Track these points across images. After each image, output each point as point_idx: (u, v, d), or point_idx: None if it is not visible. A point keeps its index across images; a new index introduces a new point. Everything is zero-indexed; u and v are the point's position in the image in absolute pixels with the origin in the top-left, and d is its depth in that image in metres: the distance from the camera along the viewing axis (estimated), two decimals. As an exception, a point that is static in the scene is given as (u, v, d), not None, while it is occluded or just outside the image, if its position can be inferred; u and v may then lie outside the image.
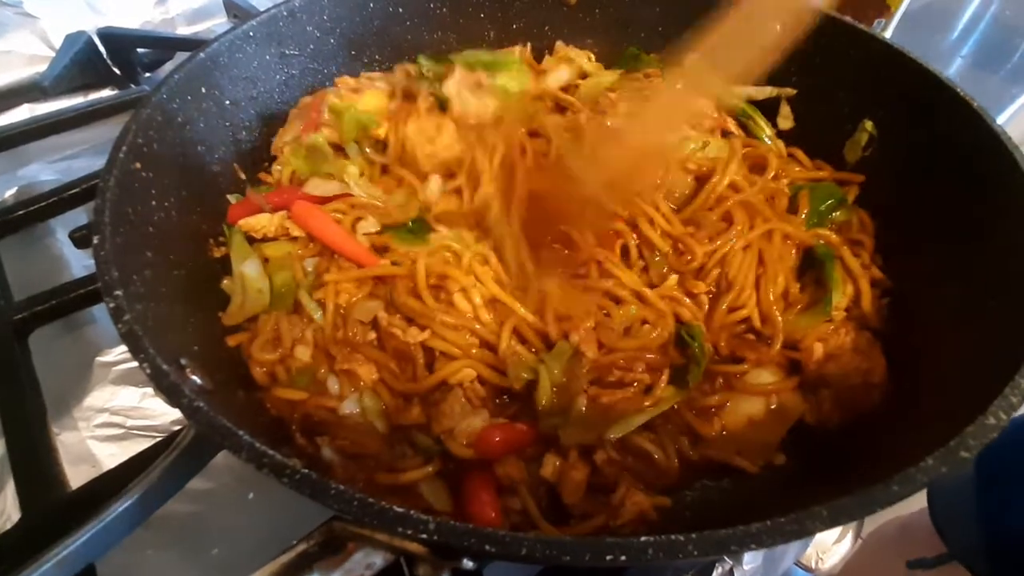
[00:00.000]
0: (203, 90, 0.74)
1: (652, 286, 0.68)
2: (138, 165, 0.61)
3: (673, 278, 0.67)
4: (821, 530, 0.33)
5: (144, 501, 0.41)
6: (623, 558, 0.32)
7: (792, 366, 0.65)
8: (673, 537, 0.32)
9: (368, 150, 0.82)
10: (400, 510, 0.34)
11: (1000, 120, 1.28)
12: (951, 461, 0.37)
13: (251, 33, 0.81)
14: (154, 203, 0.63)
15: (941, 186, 0.71)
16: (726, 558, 0.59)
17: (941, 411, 0.48)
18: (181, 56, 1.31)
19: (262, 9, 1.44)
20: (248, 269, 0.63)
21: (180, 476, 0.45)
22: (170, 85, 0.68)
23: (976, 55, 1.53)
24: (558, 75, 0.96)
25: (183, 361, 0.49)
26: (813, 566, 0.83)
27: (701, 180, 0.78)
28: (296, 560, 0.36)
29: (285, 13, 0.85)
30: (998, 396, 0.40)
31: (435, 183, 0.74)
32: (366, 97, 0.81)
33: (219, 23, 1.48)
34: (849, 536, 0.84)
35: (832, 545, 0.82)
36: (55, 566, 0.38)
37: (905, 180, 0.77)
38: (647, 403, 0.58)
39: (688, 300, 0.67)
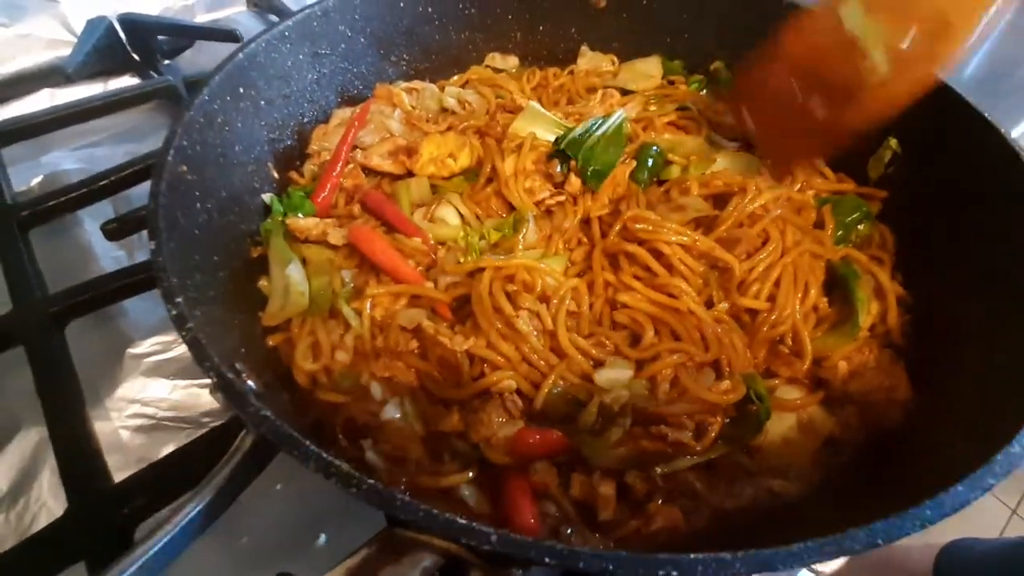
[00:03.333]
0: (241, 90, 0.75)
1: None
2: (184, 168, 0.62)
3: (723, 305, 0.68)
4: (858, 552, 0.36)
5: (209, 508, 0.43)
6: (675, 573, 0.34)
7: (815, 382, 0.66)
8: (721, 556, 0.35)
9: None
10: (464, 521, 0.36)
11: (1015, 133, 1.29)
12: (979, 488, 0.39)
13: (286, 33, 0.82)
14: (199, 205, 0.64)
15: (964, 204, 0.73)
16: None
17: (967, 432, 0.50)
18: (200, 44, 1.31)
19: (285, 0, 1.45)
20: (293, 272, 0.65)
21: (241, 480, 0.46)
22: (211, 87, 0.69)
23: (987, 65, 1.53)
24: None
25: (238, 366, 0.50)
26: (816, 567, 0.86)
27: (719, 199, 0.78)
28: (361, 564, 0.38)
29: (319, 12, 0.85)
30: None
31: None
32: (424, 153, 0.82)
33: (239, 11, 1.48)
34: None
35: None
36: None
37: (927, 198, 0.78)
38: (697, 448, 0.59)
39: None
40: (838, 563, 0.87)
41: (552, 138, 0.83)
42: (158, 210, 0.53)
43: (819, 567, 0.84)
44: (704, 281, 0.69)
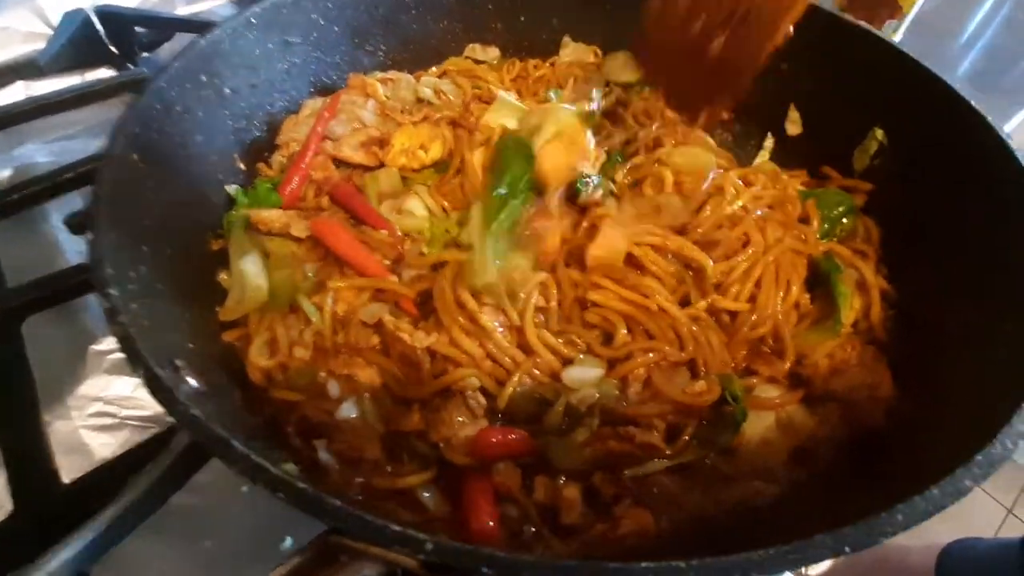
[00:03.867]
0: (203, 78, 0.73)
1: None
2: (136, 156, 0.59)
3: (701, 303, 0.66)
4: (824, 559, 0.33)
5: (137, 507, 0.40)
6: (623, 584, 0.31)
7: (796, 380, 0.64)
8: (673, 563, 0.32)
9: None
10: (398, 528, 0.33)
11: (1008, 127, 1.27)
12: (956, 490, 0.36)
13: (253, 20, 0.79)
14: (152, 195, 0.61)
15: (952, 199, 0.70)
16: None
17: (950, 432, 0.48)
18: (181, 36, 1.29)
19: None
20: (247, 265, 0.62)
21: (174, 481, 0.44)
22: (169, 73, 0.67)
23: (985, 59, 1.52)
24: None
25: (178, 362, 0.48)
26: (802, 569, 0.83)
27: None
28: (293, 572, 0.36)
29: (289, 0, 0.83)
30: (1005, 424, 0.39)
31: None
32: (396, 144, 0.79)
33: (219, 3, 1.45)
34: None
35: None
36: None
37: (914, 191, 0.76)
38: (668, 451, 0.57)
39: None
40: (824, 568, 0.85)
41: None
42: (100, 200, 0.51)
43: (804, 569, 0.82)
44: (678, 280, 0.67)
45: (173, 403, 0.38)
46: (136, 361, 0.40)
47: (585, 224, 0.70)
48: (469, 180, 0.76)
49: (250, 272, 0.62)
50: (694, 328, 0.63)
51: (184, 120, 0.69)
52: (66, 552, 0.37)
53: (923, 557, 1.11)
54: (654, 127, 0.87)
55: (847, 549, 0.33)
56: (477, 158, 0.76)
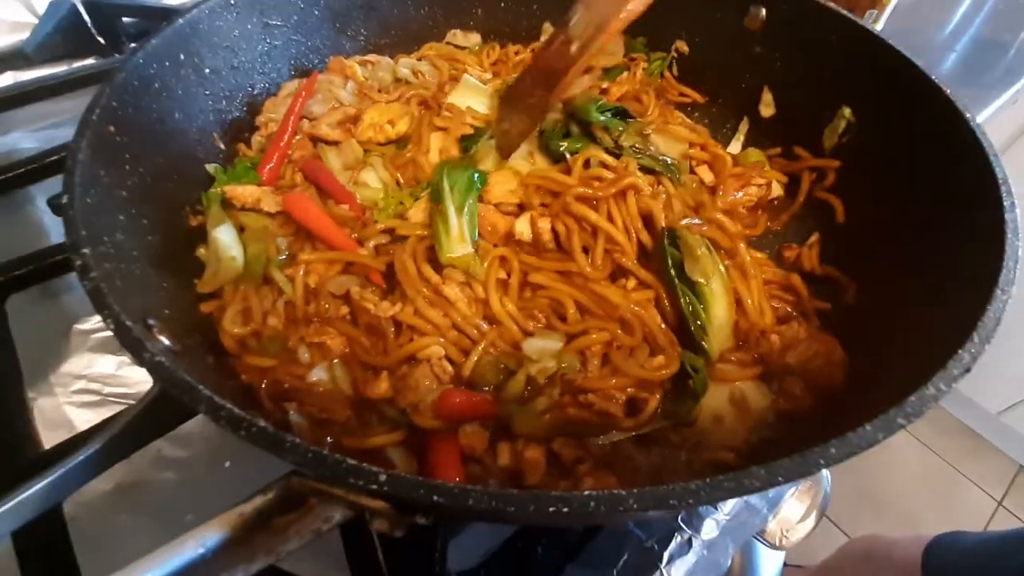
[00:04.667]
0: (181, 57, 0.74)
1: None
2: (112, 129, 0.60)
3: (632, 281, 0.67)
4: (759, 489, 0.35)
5: (107, 449, 0.41)
6: (565, 510, 0.33)
7: (754, 360, 0.65)
8: (615, 492, 0.33)
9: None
10: (353, 463, 0.35)
11: (991, 111, 1.29)
12: (889, 427, 0.38)
13: (231, 1, 0.80)
14: (128, 167, 0.62)
15: (910, 171, 0.72)
16: (685, 527, 0.61)
17: (898, 387, 0.49)
18: (168, 27, 1.30)
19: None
20: (221, 234, 0.64)
21: (145, 429, 0.45)
22: (146, 50, 0.68)
23: (970, 50, 1.53)
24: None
25: (151, 321, 0.49)
26: (777, 543, 0.85)
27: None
28: (253, 513, 0.37)
29: (269, -19, 0.84)
30: (940, 368, 0.41)
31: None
32: (366, 119, 0.81)
33: (208, -6, 1.46)
34: (814, 515, 0.86)
35: (797, 523, 0.84)
36: (19, 504, 0.39)
37: (877, 166, 0.78)
38: (629, 424, 0.58)
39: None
40: (802, 537, 0.86)
41: (485, 110, 0.83)
42: (75, 166, 0.52)
43: (781, 542, 0.83)
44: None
45: (141, 350, 0.39)
46: (106, 314, 0.41)
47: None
48: (422, 156, 0.77)
49: (223, 241, 0.63)
50: (635, 308, 0.64)
51: (162, 97, 0.70)
52: (39, 482, 0.38)
53: (909, 549, 1.12)
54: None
55: (780, 479, 0.34)
56: (435, 139, 0.77)
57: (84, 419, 0.77)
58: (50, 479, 0.38)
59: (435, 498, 0.33)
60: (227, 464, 0.73)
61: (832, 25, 0.84)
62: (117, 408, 0.77)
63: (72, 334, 0.82)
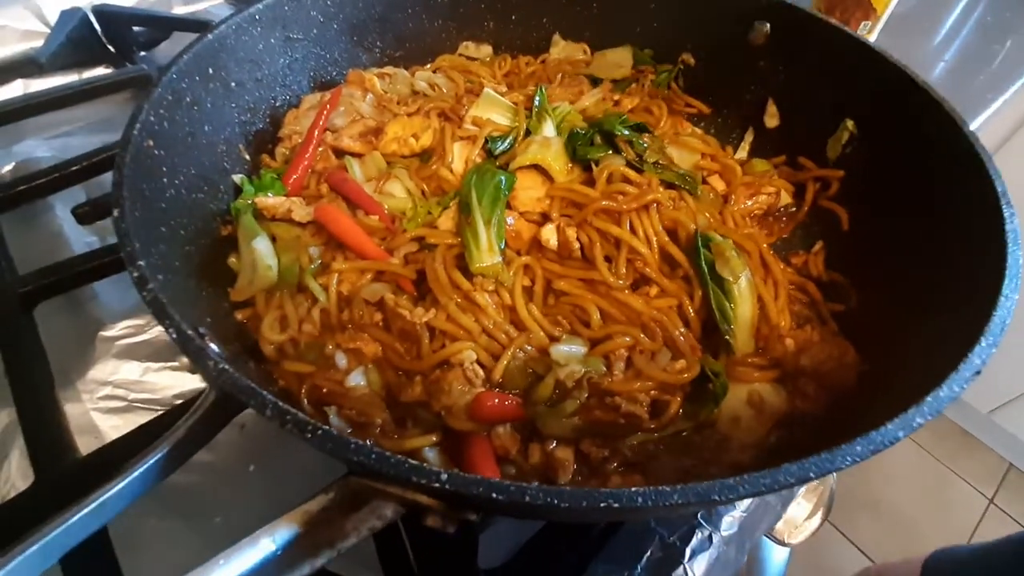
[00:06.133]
0: (210, 71, 0.76)
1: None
2: (151, 143, 0.62)
3: (654, 288, 0.70)
4: (791, 485, 0.38)
5: (165, 462, 0.43)
6: (616, 505, 0.35)
7: (770, 363, 0.68)
8: (662, 488, 0.36)
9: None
10: (414, 463, 0.37)
11: (980, 122, 1.33)
12: (908, 426, 0.41)
13: (257, 16, 0.83)
14: (165, 180, 0.64)
15: (914, 185, 0.75)
16: (705, 523, 0.63)
17: (910, 390, 0.52)
18: (178, 36, 1.32)
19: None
20: (259, 245, 0.66)
21: (200, 438, 0.47)
22: (179, 66, 0.70)
23: (959, 59, 1.58)
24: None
25: (201, 330, 0.51)
26: (784, 540, 0.88)
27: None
28: (319, 511, 0.39)
29: (291, -3, 0.86)
30: (953, 371, 0.44)
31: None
32: (389, 132, 0.84)
33: (216, 3, 1.48)
34: (819, 514, 0.89)
35: (803, 521, 0.87)
36: (76, 523, 0.40)
37: (881, 177, 0.81)
38: (653, 426, 0.60)
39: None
40: (808, 535, 0.90)
41: (507, 123, 0.86)
42: (123, 180, 0.54)
43: (787, 539, 0.86)
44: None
45: (205, 358, 0.41)
46: (168, 324, 0.43)
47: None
48: (445, 169, 0.80)
49: (262, 252, 0.65)
50: (656, 314, 0.67)
51: (193, 110, 0.72)
52: (92, 502, 0.40)
53: (905, 572, 1.15)
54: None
55: (811, 475, 0.37)
56: (458, 150, 0.80)
57: (111, 424, 0.78)
58: (102, 499, 0.40)
59: (494, 495, 0.36)
60: (251, 468, 0.75)
61: (834, 41, 0.87)
62: (143, 414, 0.79)
63: (97, 341, 0.84)
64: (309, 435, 0.38)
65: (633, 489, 0.36)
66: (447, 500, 0.38)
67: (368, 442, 0.55)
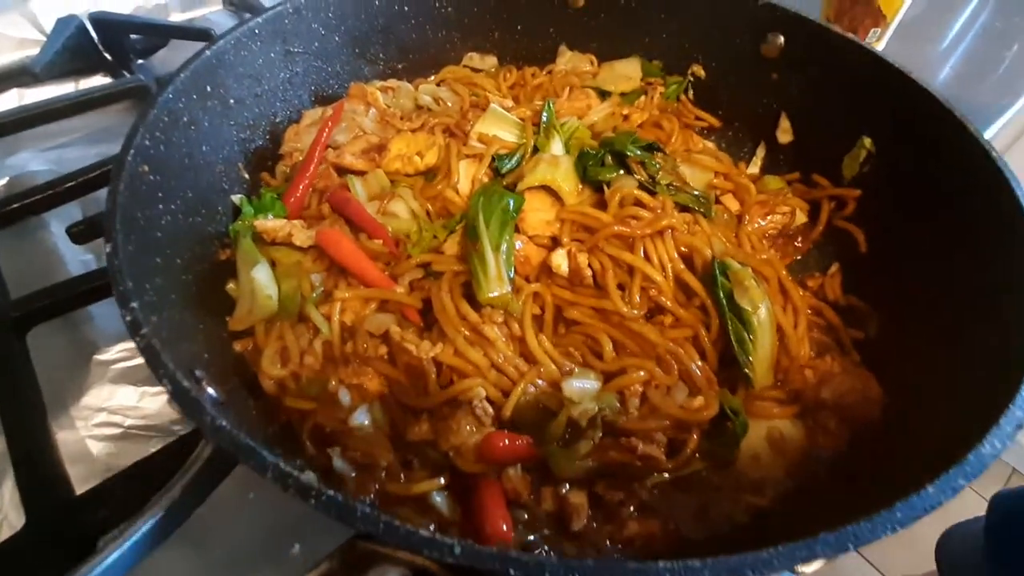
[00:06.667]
0: (208, 89, 0.73)
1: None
2: (146, 168, 0.60)
3: (669, 317, 0.68)
4: (829, 556, 0.35)
5: (165, 521, 0.41)
6: (642, 582, 0.33)
7: (791, 397, 0.66)
8: (689, 562, 0.34)
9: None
10: (426, 534, 0.34)
11: (995, 130, 1.30)
12: (950, 488, 0.38)
13: (256, 30, 0.80)
14: (161, 206, 0.62)
15: (936, 206, 0.73)
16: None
17: (940, 432, 0.50)
18: (175, 43, 1.29)
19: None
20: (259, 274, 0.63)
21: (196, 497, 0.45)
22: (176, 85, 0.67)
23: (965, 64, 1.56)
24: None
25: (198, 373, 0.48)
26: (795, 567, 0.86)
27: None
28: (321, 577, 0.37)
29: (291, 10, 0.84)
30: (994, 425, 0.42)
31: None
32: (393, 149, 0.81)
33: (214, 10, 1.45)
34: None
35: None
36: None
37: (899, 197, 0.79)
38: (670, 466, 0.58)
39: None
40: (819, 565, 0.88)
41: (513, 140, 0.83)
42: (116, 211, 0.52)
43: (801, 567, 0.84)
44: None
45: (201, 414, 0.39)
46: (162, 374, 0.41)
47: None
48: (451, 190, 0.78)
49: (261, 282, 0.63)
50: (671, 346, 0.64)
51: (190, 131, 0.70)
52: (94, 568, 0.38)
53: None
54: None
55: (850, 546, 0.35)
56: (464, 168, 0.77)
57: (106, 452, 0.76)
58: (108, 561, 0.38)
59: (511, 571, 0.33)
60: (251, 495, 0.72)
61: (850, 55, 0.85)
62: (138, 440, 0.76)
63: (92, 364, 0.81)
64: (313, 501, 0.36)
65: (661, 565, 0.33)
66: (459, 572, 0.36)
67: (374, 487, 0.54)
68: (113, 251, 0.49)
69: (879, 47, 1.54)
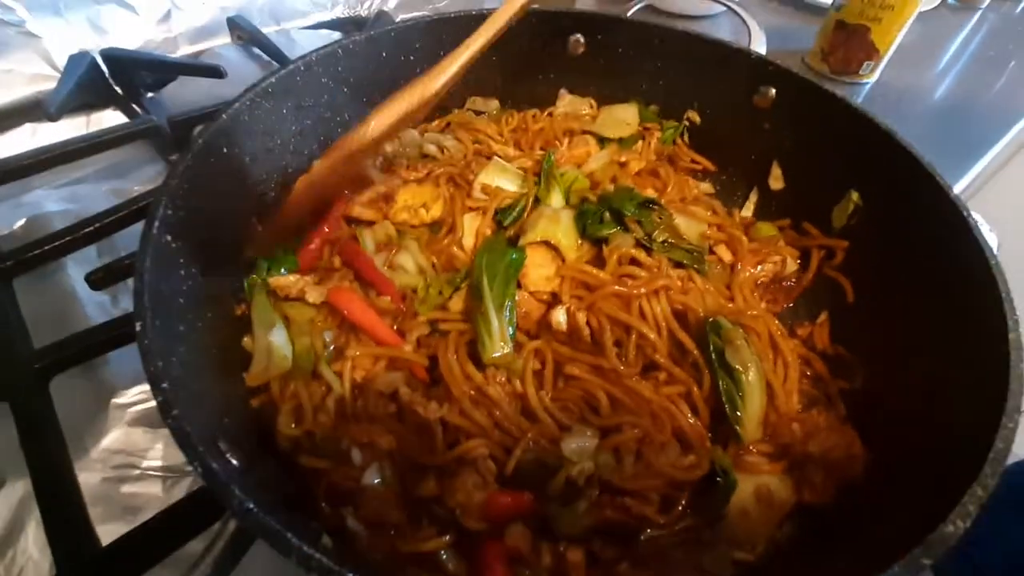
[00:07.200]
0: (225, 150, 0.76)
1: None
2: (168, 238, 0.63)
3: (663, 374, 0.72)
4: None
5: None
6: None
7: (778, 452, 0.69)
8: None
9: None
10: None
11: (983, 157, 1.33)
12: (914, 567, 0.42)
13: (269, 89, 0.83)
14: (183, 272, 0.65)
15: (915, 260, 0.76)
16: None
17: (915, 495, 0.54)
18: (184, 79, 1.32)
19: (265, 31, 1.47)
20: (276, 337, 0.67)
21: (224, 570, 0.48)
22: (195, 152, 0.70)
23: (958, 88, 1.60)
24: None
25: (221, 445, 0.52)
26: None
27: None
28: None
29: (302, 67, 0.87)
30: (957, 504, 0.45)
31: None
32: (399, 200, 0.86)
33: (222, 43, 1.48)
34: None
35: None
36: None
37: (884, 250, 0.82)
38: (662, 522, 0.61)
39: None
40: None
41: (515, 189, 0.87)
42: (143, 290, 0.54)
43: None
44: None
45: (230, 497, 0.42)
46: (192, 456, 0.44)
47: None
48: (456, 246, 0.81)
49: (277, 343, 0.66)
50: (664, 402, 0.68)
51: (209, 194, 0.72)
52: None
53: None
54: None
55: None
56: (468, 222, 0.81)
57: (124, 493, 0.79)
58: None
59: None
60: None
61: (839, 112, 0.88)
62: (156, 482, 0.80)
63: (111, 408, 0.85)
64: (335, 584, 0.39)
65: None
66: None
67: (384, 545, 0.57)
68: (143, 331, 0.52)
69: (872, 79, 1.58)
